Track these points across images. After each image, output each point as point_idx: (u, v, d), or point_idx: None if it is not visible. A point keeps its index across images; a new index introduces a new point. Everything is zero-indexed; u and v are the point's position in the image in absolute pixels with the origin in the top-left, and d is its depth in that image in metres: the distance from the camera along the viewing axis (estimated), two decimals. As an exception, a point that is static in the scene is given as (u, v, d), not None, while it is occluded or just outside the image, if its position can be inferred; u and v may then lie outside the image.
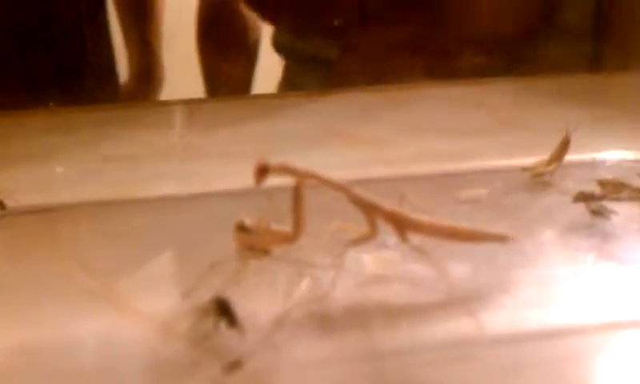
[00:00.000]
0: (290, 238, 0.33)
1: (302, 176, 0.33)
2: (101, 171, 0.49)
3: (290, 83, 0.80)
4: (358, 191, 0.34)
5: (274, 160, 0.33)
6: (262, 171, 0.33)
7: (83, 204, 0.45)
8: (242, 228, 0.33)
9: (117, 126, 0.58)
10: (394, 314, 0.33)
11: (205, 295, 0.31)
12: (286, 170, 0.33)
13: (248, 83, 0.85)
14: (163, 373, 0.30)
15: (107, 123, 0.59)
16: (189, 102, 0.68)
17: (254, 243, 0.33)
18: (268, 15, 0.79)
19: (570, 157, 0.47)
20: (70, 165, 0.50)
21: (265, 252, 0.34)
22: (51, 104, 0.64)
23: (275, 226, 0.34)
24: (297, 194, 0.33)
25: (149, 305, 0.34)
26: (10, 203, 0.44)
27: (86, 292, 0.35)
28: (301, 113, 0.63)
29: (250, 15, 0.82)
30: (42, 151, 0.52)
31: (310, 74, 0.81)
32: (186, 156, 0.52)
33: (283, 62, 0.83)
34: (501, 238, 0.35)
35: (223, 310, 0.30)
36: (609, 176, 0.45)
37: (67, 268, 0.37)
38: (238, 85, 0.84)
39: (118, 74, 0.82)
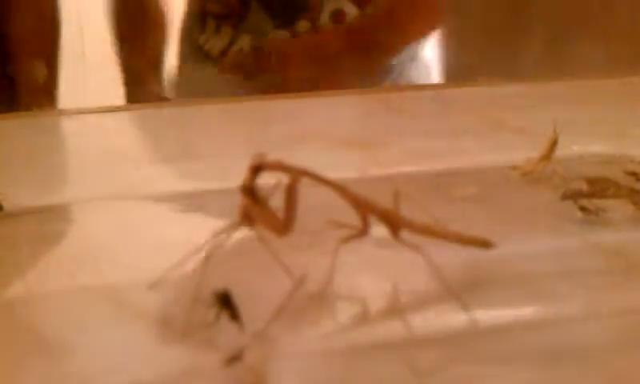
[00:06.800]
0: (280, 231, 0.34)
1: (296, 174, 0.34)
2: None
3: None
4: (352, 189, 0.35)
5: (270, 157, 0.33)
6: (257, 168, 0.33)
7: (81, 202, 0.45)
8: (247, 191, 0.33)
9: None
10: (389, 307, 0.34)
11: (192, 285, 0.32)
12: (280, 167, 0.34)
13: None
14: (164, 364, 0.30)
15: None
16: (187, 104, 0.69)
17: (252, 215, 0.34)
18: None
19: (558, 154, 0.48)
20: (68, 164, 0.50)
21: (254, 227, 0.34)
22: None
23: (275, 212, 0.34)
24: (290, 191, 0.34)
25: (149, 299, 0.35)
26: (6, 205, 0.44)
27: (86, 290, 0.36)
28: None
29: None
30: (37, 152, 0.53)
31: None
32: (184, 156, 0.53)
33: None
34: (485, 244, 0.35)
35: (224, 303, 0.30)
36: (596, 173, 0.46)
37: (66, 267, 0.37)
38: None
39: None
